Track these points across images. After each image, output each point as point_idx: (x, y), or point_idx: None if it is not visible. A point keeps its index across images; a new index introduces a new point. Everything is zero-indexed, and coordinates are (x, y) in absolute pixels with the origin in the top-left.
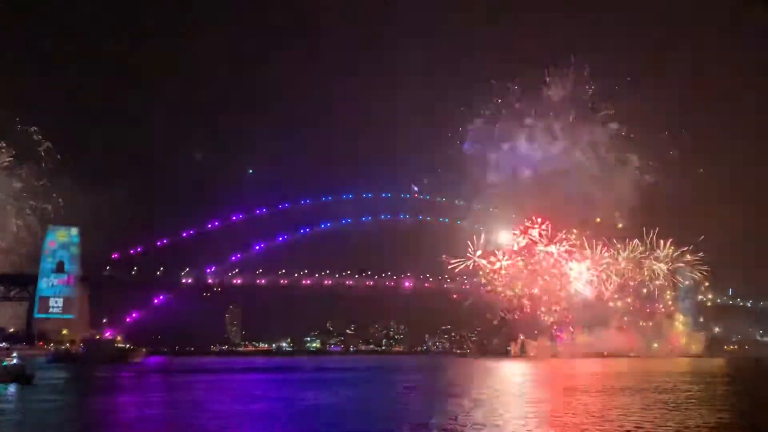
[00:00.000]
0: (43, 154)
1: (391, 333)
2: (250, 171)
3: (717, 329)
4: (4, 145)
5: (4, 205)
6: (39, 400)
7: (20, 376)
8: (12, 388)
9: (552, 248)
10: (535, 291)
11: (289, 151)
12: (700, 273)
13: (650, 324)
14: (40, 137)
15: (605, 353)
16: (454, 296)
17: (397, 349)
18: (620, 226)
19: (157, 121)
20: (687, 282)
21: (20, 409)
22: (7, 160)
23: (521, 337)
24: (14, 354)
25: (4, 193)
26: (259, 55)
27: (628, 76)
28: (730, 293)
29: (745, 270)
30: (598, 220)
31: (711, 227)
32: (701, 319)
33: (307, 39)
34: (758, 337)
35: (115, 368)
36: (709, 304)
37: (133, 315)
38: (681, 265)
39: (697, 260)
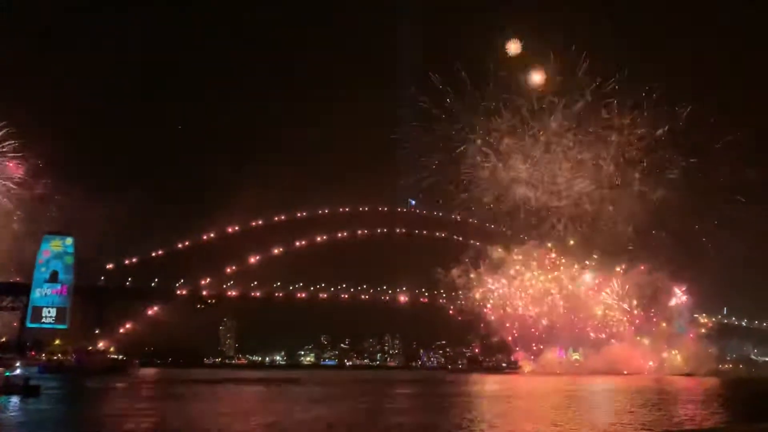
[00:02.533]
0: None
1: (386, 348)
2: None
3: (711, 349)
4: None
5: None
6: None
7: (25, 387)
8: (15, 400)
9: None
10: (530, 309)
11: (287, 162)
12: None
13: (647, 342)
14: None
15: (599, 371)
16: (450, 311)
17: (391, 363)
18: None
19: (154, 132)
20: (681, 301)
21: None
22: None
23: (516, 354)
24: (17, 364)
25: None
26: (255, 65)
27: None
28: (725, 312)
29: (740, 289)
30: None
31: (706, 247)
32: (696, 338)
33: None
34: (753, 356)
35: (107, 379)
36: (703, 321)
37: (127, 326)
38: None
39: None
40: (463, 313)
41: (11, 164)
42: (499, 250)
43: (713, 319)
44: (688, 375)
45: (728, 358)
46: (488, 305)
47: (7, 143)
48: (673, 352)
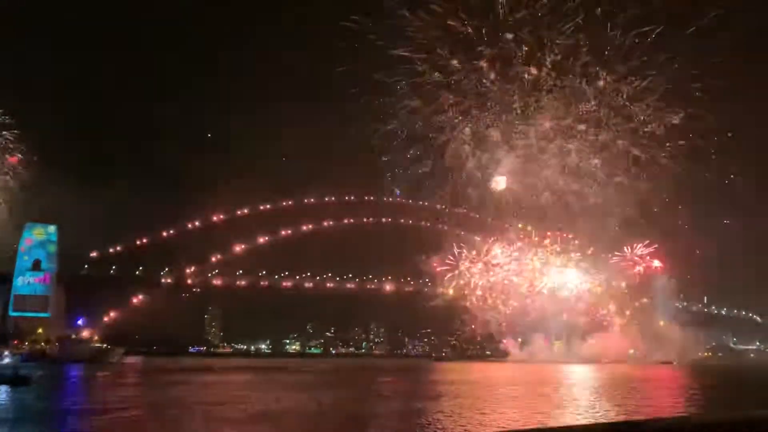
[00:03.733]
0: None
1: (372, 336)
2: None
3: (691, 337)
4: None
5: None
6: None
7: (14, 377)
8: (4, 389)
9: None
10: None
11: (271, 152)
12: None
13: (630, 330)
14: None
15: (580, 360)
16: (431, 300)
17: (377, 352)
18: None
19: (137, 120)
20: (663, 289)
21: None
22: None
23: (503, 341)
24: (6, 353)
25: None
26: (238, 55)
27: None
28: (705, 301)
29: (720, 279)
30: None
31: (689, 235)
32: (677, 327)
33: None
34: (732, 345)
35: (91, 368)
36: (684, 310)
37: (111, 315)
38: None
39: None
40: (445, 302)
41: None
42: (481, 238)
43: (694, 308)
44: (667, 363)
45: (708, 347)
46: (471, 294)
47: None
48: (654, 341)
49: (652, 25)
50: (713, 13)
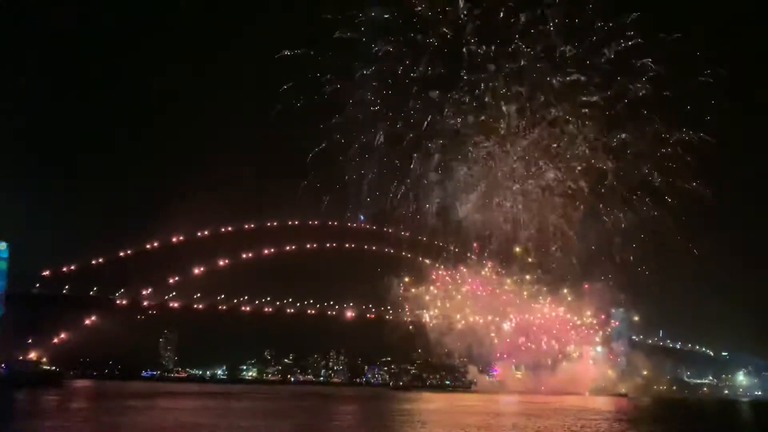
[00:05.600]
0: None
1: (331, 363)
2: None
3: (646, 371)
4: None
5: None
6: None
7: None
8: None
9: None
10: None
11: (233, 174)
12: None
13: (586, 364)
14: None
15: (542, 391)
16: (391, 331)
17: (336, 380)
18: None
19: (97, 134)
20: (619, 322)
21: None
22: None
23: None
24: None
25: None
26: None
27: None
28: (660, 335)
29: (675, 314)
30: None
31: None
32: (632, 360)
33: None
34: (686, 378)
35: (38, 392)
36: (639, 343)
37: (61, 336)
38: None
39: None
40: (405, 329)
41: None
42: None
43: (649, 342)
44: (622, 395)
45: (662, 380)
46: (431, 322)
47: None
48: (609, 373)
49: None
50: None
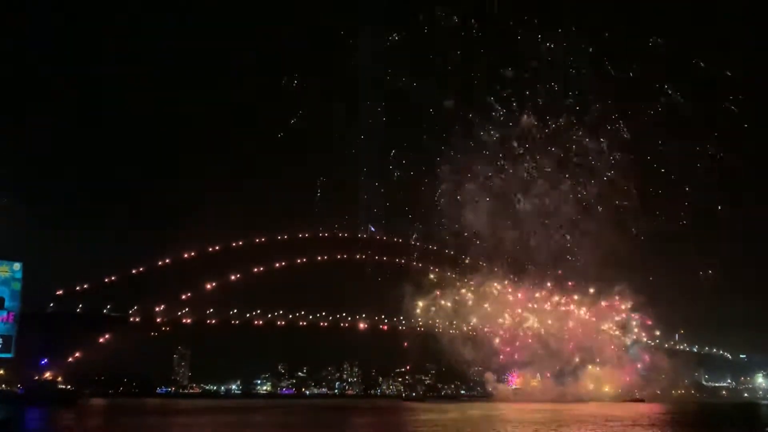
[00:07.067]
0: None
1: (345, 376)
2: None
3: (664, 375)
4: None
5: None
6: None
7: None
8: None
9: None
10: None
11: (244, 186)
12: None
13: (601, 370)
14: None
15: (559, 398)
16: (404, 344)
17: (350, 392)
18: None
19: (108, 156)
20: (634, 332)
21: None
22: None
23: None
24: None
25: None
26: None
27: None
28: (677, 338)
29: (693, 317)
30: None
31: (662, 273)
32: (650, 364)
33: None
34: (704, 382)
35: (56, 410)
36: (657, 347)
37: (76, 354)
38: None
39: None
40: (419, 339)
41: None
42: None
43: (666, 346)
44: (638, 401)
45: (680, 384)
46: (445, 330)
47: None
48: (628, 379)
49: None
50: None
